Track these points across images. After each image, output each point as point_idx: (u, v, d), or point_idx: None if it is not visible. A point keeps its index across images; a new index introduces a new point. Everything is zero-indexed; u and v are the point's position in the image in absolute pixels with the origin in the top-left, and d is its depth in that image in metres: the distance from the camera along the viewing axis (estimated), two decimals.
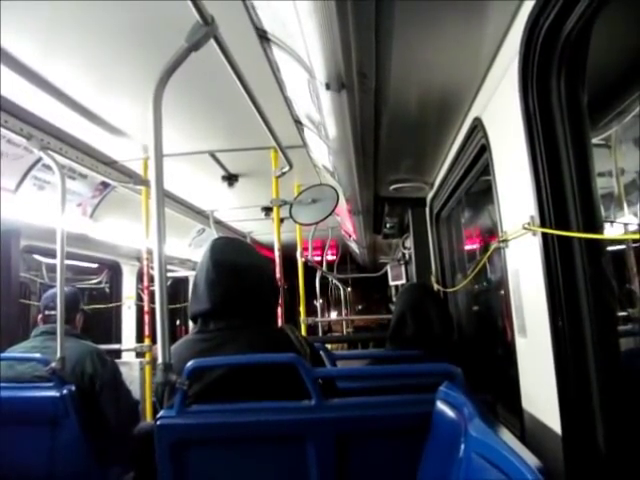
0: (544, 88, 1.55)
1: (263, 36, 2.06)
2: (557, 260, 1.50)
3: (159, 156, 1.64)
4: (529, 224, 1.60)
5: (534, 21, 1.49)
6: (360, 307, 14.32)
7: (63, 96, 2.56)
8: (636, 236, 2.50)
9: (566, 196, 1.51)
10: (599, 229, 1.53)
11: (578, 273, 1.48)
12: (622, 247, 2.43)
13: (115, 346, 4.32)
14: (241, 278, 1.94)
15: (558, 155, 1.53)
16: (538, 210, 1.55)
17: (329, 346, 6.32)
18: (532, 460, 1.02)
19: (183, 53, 1.64)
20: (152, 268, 2.35)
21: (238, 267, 1.95)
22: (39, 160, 3.15)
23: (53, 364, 2.48)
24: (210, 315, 1.91)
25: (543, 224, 1.54)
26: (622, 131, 2.41)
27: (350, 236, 7.15)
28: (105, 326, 5.48)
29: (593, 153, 1.55)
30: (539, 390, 1.72)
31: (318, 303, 7.16)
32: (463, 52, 1.95)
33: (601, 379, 1.43)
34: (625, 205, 2.55)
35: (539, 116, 1.56)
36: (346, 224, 6.15)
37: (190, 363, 1.66)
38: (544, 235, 1.53)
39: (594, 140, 2.41)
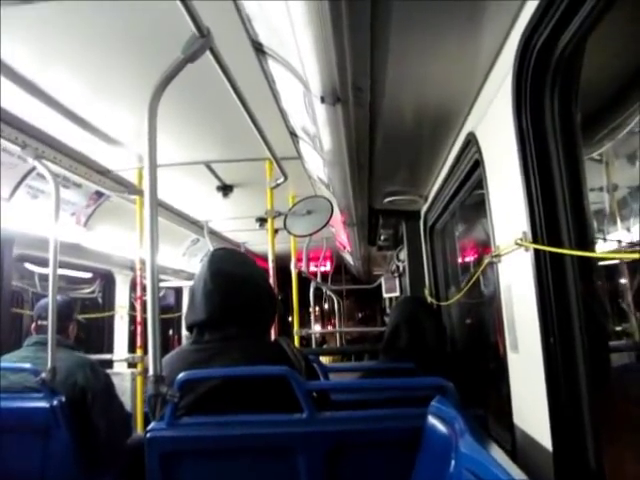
0: (537, 104, 1.56)
1: (259, 48, 2.07)
2: (549, 276, 1.51)
3: (153, 166, 1.64)
4: (521, 240, 1.61)
5: (528, 37, 1.50)
6: (354, 319, 14.27)
7: (58, 105, 2.56)
8: (627, 255, 2.51)
9: (558, 213, 1.52)
10: (591, 246, 1.54)
11: (570, 289, 1.48)
12: (615, 262, 2.44)
13: (107, 356, 4.29)
14: (238, 289, 1.93)
15: (551, 171, 1.54)
16: (530, 226, 1.56)
17: (324, 359, 6.31)
18: (521, 477, 1.02)
19: (179, 64, 1.65)
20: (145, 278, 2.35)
21: (236, 278, 1.95)
22: (33, 169, 3.14)
23: (43, 374, 2.46)
24: (206, 325, 1.90)
25: (535, 240, 1.54)
26: (616, 147, 2.42)
27: (345, 247, 7.15)
28: (97, 336, 5.45)
29: (585, 170, 1.56)
30: (530, 406, 1.71)
31: (312, 314, 7.13)
32: (457, 67, 1.96)
33: (592, 395, 1.43)
34: (618, 220, 2.56)
35: (532, 132, 1.57)
36: (341, 236, 6.15)
37: (181, 375, 1.65)
38: (536, 251, 1.54)
39: (588, 156, 2.42)
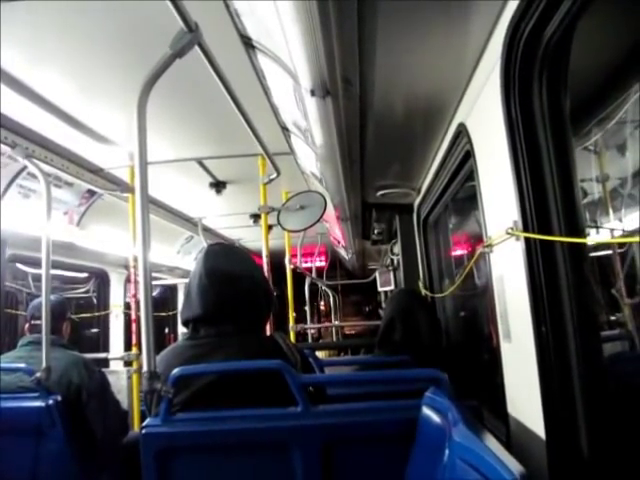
0: (526, 93, 1.57)
1: (248, 43, 2.06)
2: (540, 265, 1.51)
3: (143, 164, 1.63)
4: (512, 229, 1.61)
5: (515, 27, 1.50)
6: (349, 313, 14.26)
7: (48, 104, 2.54)
8: (616, 240, 2.52)
9: (548, 201, 1.53)
10: (581, 234, 1.54)
11: (561, 278, 1.49)
12: (608, 252, 2.45)
13: (102, 355, 4.28)
14: (233, 285, 1.93)
15: (540, 160, 1.54)
16: (521, 215, 1.56)
17: (320, 353, 6.30)
18: (514, 465, 1.02)
19: (167, 60, 1.64)
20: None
21: (231, 274, 1.94)
22: (24, 168, 3.13)
23: (38, 374, 2.46)
24: (201, 321, 1.90)
25: (526, 229, 1.54)
26: (608, 137, 2.43)
27: (339, 242, 7.15)
28: (92, 335, 5.44)
29: (576, 159, 1.57)
30: (523, 395, 1.72)
31: (307, 310, 7.14)
32: (446, 58, 1.96)
33: (584, 384, 1.44)
34: (610, 210, 2.57)
35: (521, 122, 1.57)
36: (335, 231, 6.15)
37: (175, 371, 1.64)
38: (527, 240, 1.54)
39: (581, 146, 2.43)
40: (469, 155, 2.20)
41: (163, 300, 7.64)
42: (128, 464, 2.41)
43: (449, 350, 3.58)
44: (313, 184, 4.01)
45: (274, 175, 3.26)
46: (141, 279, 1.63)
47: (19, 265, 4.62)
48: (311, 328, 6.48)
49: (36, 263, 3.75)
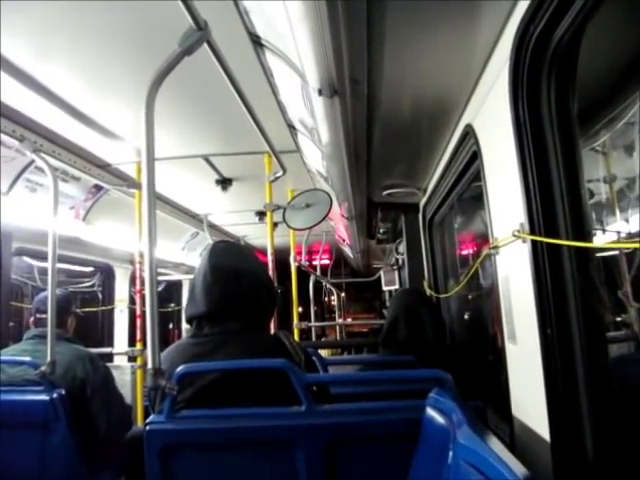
0: (534, 95, 1.56)
1: (256, 41, 2.06)
2: (546, 267, 1.51)
3: (151, 159, 1.64)
4: (519, 231, 1.61)
5: (524, 28, 1.50)
6: (353, 311, 14.25)
7: (56, 98, 2.55)
8: (621, 245, 2.51)
9: (555, 204, 1.52)
10: (588, 237, 1.54)
11: (567, 280, 1.49)
12: (615, 253, 2.44)
13: (107, 349, 4.30)
14: (238, 283, 1.92)
15: (548, 163, 1.54)
16: (528, 217, 1.56)
17: (323, 352, 6.30)
18: (519, 468, 1.02)
19: (176, 57, 1.64)
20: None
21: (236, 272, 1.94)
22: (31, 162, 3.14)
23: (43, 368, 2.47)
24: (205, 318, 1.90)
25: (533, 231, 1.54)
26: (615, 138, 2.42)
27: (344, 241, 7.15)
28: (97, 329, 5.45)
29: (583, 161, 1.56)
30: (528, 397, 1.72)
31: (312, 308, 7.13)
32: (455, 58, 1.96)
33: (589, 386, 1.44)
34: (617, 211, 2.56)
35: (529, 123, 1.56)
36: (340, 229, 6.15)
37: (180, 368, 1.65)
38: (534, 242, 1.54)
39: (588, 147, 2.43)
40: (476, 156, 2.20)
41: (168, 295, 7.66)
42: (131, 459, 2.41)
43: (453, 350, 3.58)
44: (319, 182, 4.01)
45: (280, 173, 3.27)
46: (147, 275, 1.63)
47: (25, 258, 4.63)
48: (315, 326, 6.47)
49: (42, 256, 3.77)
